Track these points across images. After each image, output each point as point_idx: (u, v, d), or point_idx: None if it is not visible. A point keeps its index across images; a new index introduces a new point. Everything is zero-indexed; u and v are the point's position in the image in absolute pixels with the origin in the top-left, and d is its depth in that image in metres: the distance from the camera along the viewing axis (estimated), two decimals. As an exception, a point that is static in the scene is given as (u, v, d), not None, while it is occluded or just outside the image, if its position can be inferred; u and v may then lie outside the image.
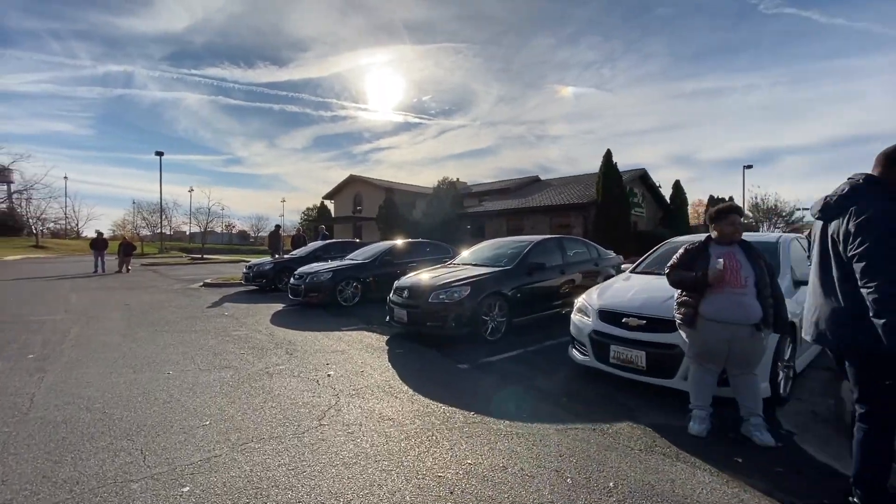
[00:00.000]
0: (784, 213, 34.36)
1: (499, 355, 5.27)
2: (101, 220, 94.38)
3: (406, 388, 4.14)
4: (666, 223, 29.29)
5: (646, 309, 3.90)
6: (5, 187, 49.88)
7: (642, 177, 27.90)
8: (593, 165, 33.49)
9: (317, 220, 32.57)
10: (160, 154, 41.89)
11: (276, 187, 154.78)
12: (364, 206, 33.53)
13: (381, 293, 9.70)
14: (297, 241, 15.56)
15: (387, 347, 5.73)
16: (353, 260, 10.12)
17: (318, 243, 13.88)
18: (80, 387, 4.14)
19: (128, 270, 20.07)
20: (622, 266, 5.76)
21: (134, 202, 60.85)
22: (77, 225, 68.18)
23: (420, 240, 11.89)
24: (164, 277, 17.09)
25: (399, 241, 10.70)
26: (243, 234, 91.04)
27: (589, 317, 4.32)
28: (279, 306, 9.34)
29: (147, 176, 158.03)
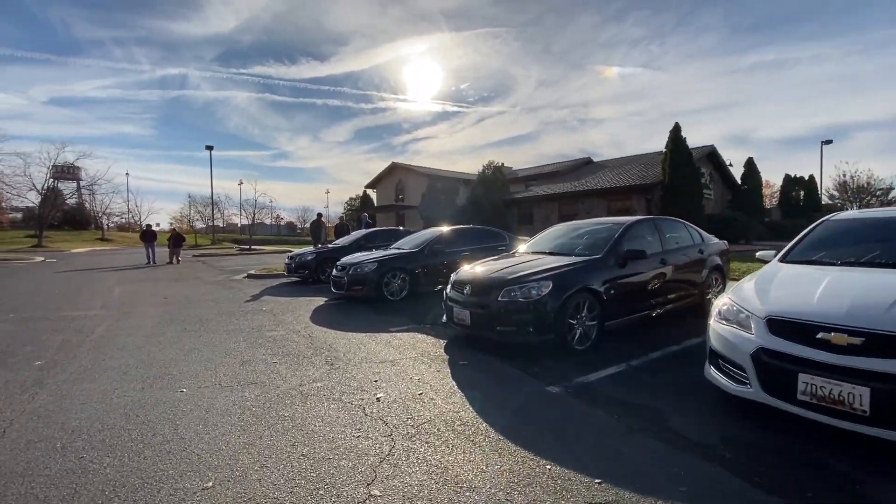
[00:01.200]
0: (878, 191, 30.17)
1: (596, 373, 4.01)
2: (160, 214, 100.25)
3: (484, 426, 2.98)
4: (736, 205, 26.49)
5: (863, 319, 2.51)
6: (74, 184, 53.17)
7: (710, 155, 25.21)
8: (641, 148, 30.72)
9: (359, 210, 32.11)
10: (210, 148, 43.08)
11: (320, 180, 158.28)
12: (406, 195, 32.71)
13: (431, 286, 8.66)
14: (340, 229, 14.83)
15: (446, 357, 4.60)
16: (399, 249, 9.08)
17: (362, 232, 13.02)
18: (71, 412, 3.29)
19: (178, 261, 20.25)
20: (759, 255, 4.37)
21: (189, 196, 63.47)
22: (139, 218, 72.24)
23: (473, 226, 10.69)
24: (210, 269, 16.93)
25: (450, 228, 9.55)
26: (291, 226, 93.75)
27: (747, 327, 2.96)
28: (321, 300, 8.47)
29: (202, 172, 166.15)
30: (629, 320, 5.09)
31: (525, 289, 4.45)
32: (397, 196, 33.56)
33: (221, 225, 77.61)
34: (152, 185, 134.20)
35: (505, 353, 4.59)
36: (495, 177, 25.81)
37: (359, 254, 9.41)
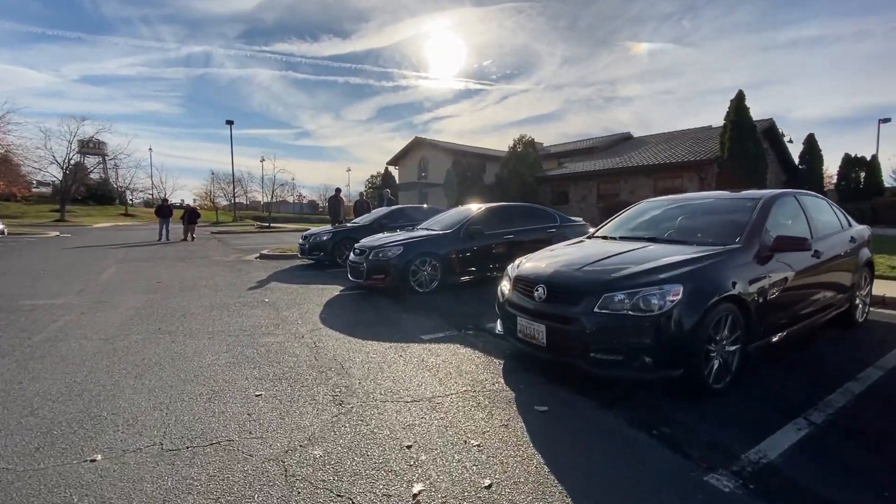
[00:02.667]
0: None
1: (768, 440, 2.43)
2: (183, 191, 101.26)
3: None
4: (793, 186, 23.86)
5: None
6: (98, 159, 53.22)
7: (768, 129, 22.56)
8: (670, 127, 28.07)
9: (381, 188, 30.64)
10: (230, 123, 42.02)
11: (342, 158, 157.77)
12: (430, 172, 31.01)
13: (467, 275, 7.14)
14: (360, 207, 13.39)
15: (511, 394, 3.08)
16: (429, 230, 7.54)
17: (384, 209, 11.52)
18: None
19: (192, 238, 19.27)
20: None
21: (212, 173, 63.08)
22: (165, 194, 72.75)
23: (517, 203, 9.04)
24: (224, 247, 15.82)
25: (488, 205, 7.92)
26: (313, 204, 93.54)
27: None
28: (335, 290, 7.05)
29: (226, 149, 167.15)
30: (771, 341, 3.45)
31: (640, 295, 2.86)
32: (420, 173, 31.89)
33: (245, 202, 77.79)
34: (178, 163, 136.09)
35: (603, 392, 3.04)
36: (527, 152, 23.82)
37: (381, 235, 7.91)
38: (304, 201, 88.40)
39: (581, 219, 8.95)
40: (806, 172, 24.40)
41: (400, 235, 7.24)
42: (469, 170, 26.34)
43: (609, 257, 3.41)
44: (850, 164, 28.74)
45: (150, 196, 68.99)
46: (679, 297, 2.80)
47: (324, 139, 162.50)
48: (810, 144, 24.81)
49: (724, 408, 2.82)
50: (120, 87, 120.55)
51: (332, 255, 9.92)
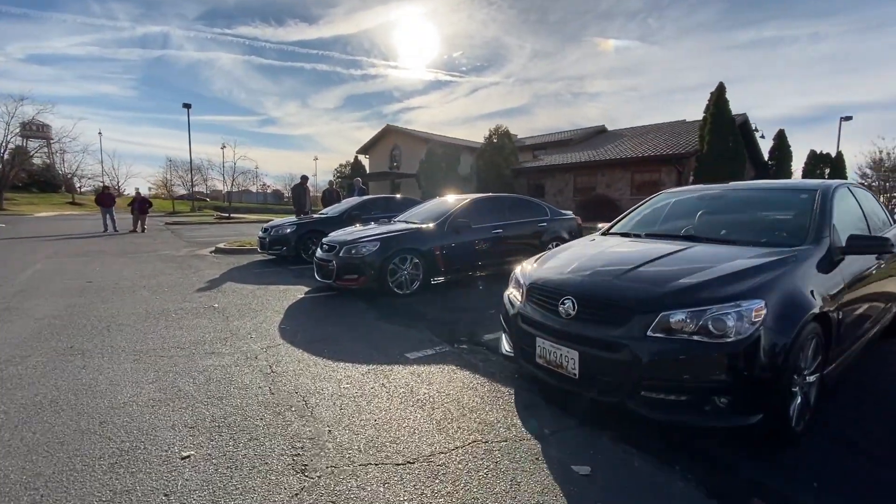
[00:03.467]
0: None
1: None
2: (138, 179, 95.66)
3: None
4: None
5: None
6: (41, 143, 49.00)
7: (741, 125, 22.75)
8: (635, 124, 28.28)
9: (350, 177, 29.32)
10: (188, 107, 39.38)
11: (309, 147, 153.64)
12: (402, 161, 29.91)
13: (452, 273, 6.35)
14: (329, 197, 12.33)
15: (536, 444, 2.32)
16: (408, 223, 6.68)
17: (354, 199, 10.54)
18: None
19: (143, 230, 17.61)
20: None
21: (169, 160, 59.31)
22: (117, 183, 68.22)
23: (508, 195, 8.30)
24: (176, 239, 14.39)
25: (476, 196, 7.13)
26: (277, 194, 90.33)
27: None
28: (299, 292, 6.11)
29: (184, 136, 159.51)
30: (842, 365, 2.83)
31: (710, 316, 2.14)
32: (392, 163, 30.73)
33: (205, 192, 74.00)
34: (133, 149, 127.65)
35: (655, 438, 2.32)
36: (503, 143, 23.17)
37: (353, 228, 6.99)
38: (267, 191, 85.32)
39: (570, 212, 8.30)
40: (776, 169, 24.88)
41: (375, 229, 6.35)
42: (443, 160, 25.45)
43: (651, 261, 2.68)
44: (816, 160, 29.59)
45: (101, 184, 64.54)
46: (763, 316, 2.10)
47: (290, 127, 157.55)
48: (780, 140, 25.30)
49: (812, 458, 2.16)
50: (69, 68, 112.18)
51: (296, 250, 8.91)
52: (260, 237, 9.37)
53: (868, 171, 29.18)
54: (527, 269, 3.19)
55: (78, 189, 54.69)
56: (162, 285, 6.53)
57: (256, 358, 3.54)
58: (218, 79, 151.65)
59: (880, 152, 28.53)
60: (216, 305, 5.29)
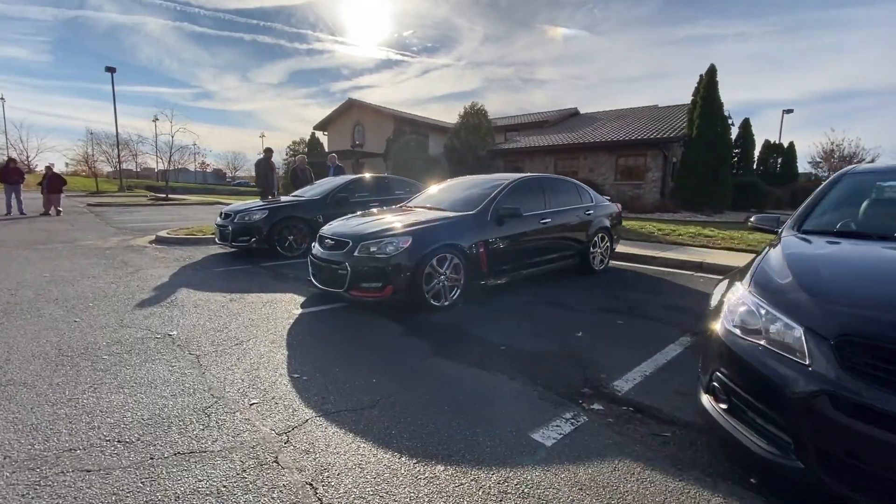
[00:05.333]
0: (861, 163, 29.68)
1: None
2: (54, 153, 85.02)
3: None
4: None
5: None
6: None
7: (713, 111, 22.67)
8: (585, 111, 28.09)
9: (309, 155, 26.63)
10: (112, 71, 34.57)
11: (251, 125, 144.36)
12: (366, 139, 27.61)
13: (500, 276, 4.87)
14: (301, 176, 10.32)
15: None
16: (435, 210, 5.09)
17: (337, 180, 8.69)
18: None
19: (57, 213, 14.60)
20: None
21: (91, 133, 52.23)
22: (27, 157, 59.81)
23: (549, 175, 6.86)
24: (103, 225, 11.79)
25: (518, 177, 5.60)
26: (218, 173, 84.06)
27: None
28: (292, 305, 4.41)
29: (107, 107, 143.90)
30: None
31: None
32: (354, 140, 28.31)
33: (134, 169, 66.82)
34: (47, 121, 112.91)
35: None
36: (479, 122, 21.66)
37: (356, 216, 5.28)
38: (207, 170, 79.00)
39: (608, 198, 7.05)
40: (740, 156, 25.24)
41: (394, 218, 4.70)
42: (413, 139, 23.58)
43: None
44: (769, 149, 30.55)
45: (6, 157, 56.36)
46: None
47: (229, 102, 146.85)
48: (745, 129, 25.70)
49: None
50: None
51: (268, 242, 7.05)
52: (219, 225, 7.36)
53: (819, 161, 30.64)
54: (757, 274, 1.84)
55: (-24, 163, 47.06)
56: (84, 296, 4.56)
57: (276, 462, 1.92)
58: (145, 46, 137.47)
59: (832, 144, 29.90)
60: (174, 333, 3.50)
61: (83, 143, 57.26)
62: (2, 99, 49.42)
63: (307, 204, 7.60)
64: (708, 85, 15.78)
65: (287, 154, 40.24)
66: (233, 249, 7.42)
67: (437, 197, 5.63)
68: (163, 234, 9.21)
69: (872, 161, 28.91)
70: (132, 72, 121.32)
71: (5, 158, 15.75)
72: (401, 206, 5.64)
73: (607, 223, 6.31)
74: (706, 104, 15.72)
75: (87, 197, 26.77)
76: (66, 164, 54.46)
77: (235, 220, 7.08)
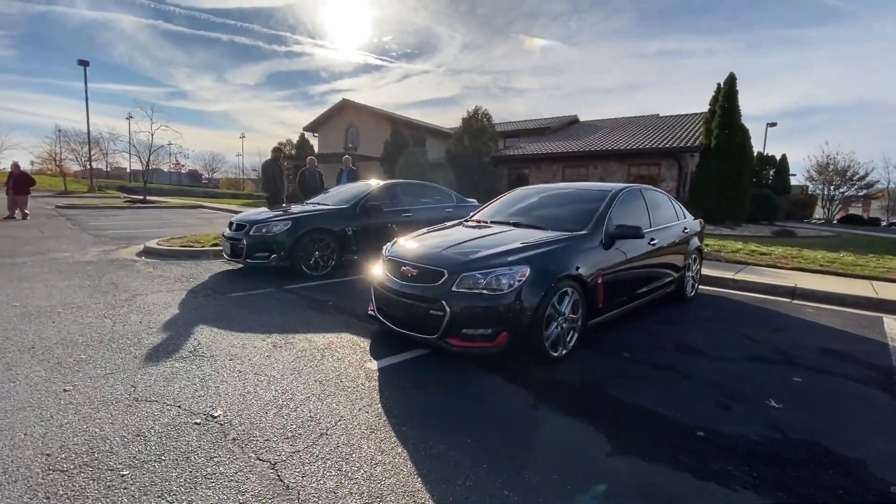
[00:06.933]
0: (854, 177, 29.92)
1: None
2: (18, 151, 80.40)
3: None
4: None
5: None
6: None
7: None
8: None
9: (298, 158, 25.23)
10: (85, 64, 32.45)
11: (227, 126, 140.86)
12: (360, 142, 26.37)
13: (616, 309, 3.81)
14: (310, 180, 9.14)
15: None
16: (545, 232, 4.07)
17: (365, 186, 7.56)
18: None
19: (24, 216, 12.94)
20: None
21: (59, 129, 48.96)
22: (-14, 154, 55.93)
23: (647, 186, 5.91)
24: (78, 231, 10.30)
25: (621, 186, 4.62)
26: (194, 174, 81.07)
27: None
28: (361, 354, 3.32)
29: (78, 105, 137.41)
30: None
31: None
32: (347, 143, 27.01)
33: (105, 169, 63.54)
34: (12, 117, 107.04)
35: None
36: (483, 127, 20.76)
37: (430, 237, 4.22)
38: (182, 171, 76.03)
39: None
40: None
41: (492, 238, 3.65)
42: (411, 143, 22.53)
43: None
44: (762, 161, 30.73)
45: (-38, 154, 52.64)
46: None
47: (204, 103, 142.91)
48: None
49: None
50: None
51: (290, 259, 5.90)
52: (229, 238, 6.15)
53: (815, 175, 30.93)
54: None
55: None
56: (71, 341, 3.35)
57: None
58: (118, 43, 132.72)
59: (828, 157, 30.26)
60: (218, 415, 2.37)
61: (50, 140, 53.96)
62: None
63: (334, 214, 6.48)
64: (728, 94, 15.31)
65: (272, 156, 38.51)
66: (239, 264, 6.22)
67: (516, 209, 4.61)
68: (152, 244, 7.90)
69: (866, 175, 29.30)
70: (103, 69, 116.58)
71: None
72: (477, 222, 4.58)
73: (699, 242, 5.43)
74: (725, 113, 15.23)
75: (55, 197, 24.70)
76: (32, 163, 51.19)
77: (251, 233, 5.90)
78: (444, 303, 3.04)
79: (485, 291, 3.02)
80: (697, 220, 5.77)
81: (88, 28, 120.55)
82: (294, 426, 2.28)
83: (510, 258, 3.16)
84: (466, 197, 8.50)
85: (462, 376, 3.01)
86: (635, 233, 3.82)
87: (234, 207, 21.60)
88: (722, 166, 15.13)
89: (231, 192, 49.67)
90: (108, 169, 66.36)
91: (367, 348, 3.48)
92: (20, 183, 13.07)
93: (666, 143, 16.92)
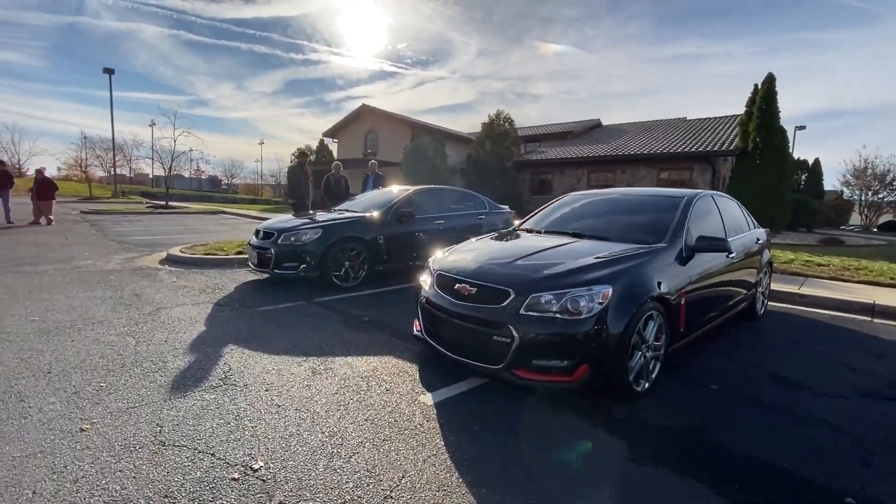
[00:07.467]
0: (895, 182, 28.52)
1: None
2: (45, 157, 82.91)
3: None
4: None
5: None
6: None
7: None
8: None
9: (317, 164, 25.17)
10: (110, 72, 33.16)
11: (246, 133, 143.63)
12: (379, 148, 26.19)
13: (686, 338, 3.29)
14: (336, 185, 8.84)
15: None
16: (616, 245, 3.63)
17: (395, 192, 7.20)
18: None
19: (48, 222, 12.94)
20: None
21: (85, 136, 50.15)
22: (19, 161, 57.68)
23: (718, 193, 5.45)
24: (101, 237, 10.18)
25: (693, 192, 4.15)
26: (214, 180, 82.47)
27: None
28: (411, 382, 2.91)
29: (102, 113, 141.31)
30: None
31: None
32: (366, 149, 26.88)
33: (128, 175, 64.94)
34: (40, 125, 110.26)
35: None
36: (506, 131, 20.34)
37: (485, 246, 3.81)
38: (202, 176, 77.37)
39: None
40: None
41: (559, 249, 3.22)
42: (432, 148, 22.23)
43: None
44: (794, 166, 29.63)
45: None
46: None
47: (224, 110, 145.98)
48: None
49: None
50: None
51: (320, 269, 5.55)
52: (256, 246, 5.83)
53: (851, 179, 29.68)
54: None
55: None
56: (91, 365, 3.02)
57: None
58: (141, 53, 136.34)
59: (865, 161, 28.95)
60: (258, 467, 1.98)
61: (76, 146, 55.27)
62: (-9, 99, 47.42)
63: (366, 221, 6.11)
64: (766, 95, 14.60)
65: (290, 161, 38.66)
66: (265, 274, 5.89)
67: (572, 218, 4.17)
68: (175, 251, 7.66)
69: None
70: (127, 78, 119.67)
71: (-8, 161, 14.09)
72: (528, 232, 4.15)
73: (769, 255, 4.91)
74: (764, 115, 14.53)
75: (80, 203, 25.06)
76: (58, 169, 52.61)
77: (280, 242, 5.57)
78: (511, 328, 2.61)
79: (559, 315, 2.58)
80: (764, 230, 5.24)
81: (113, 38, 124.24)
82: (351, 484, 1.88)
83: (587, 276, 2.72)
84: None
85: (532, 414, 2.58)
86: (721, 246, 3.35)
87: (254, 213, 21.56)
88: (760, 170, 14.41)
89: (249, 198, 50.21)
90: (132, 175, 67.77)
91: (416, 376, 3.07)
92: (43, 189, 13.09)
93: (699, 147, 16.26)
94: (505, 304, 2.70)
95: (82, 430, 2.21)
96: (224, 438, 2.18)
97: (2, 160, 14.41)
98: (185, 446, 2.10)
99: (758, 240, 4.59)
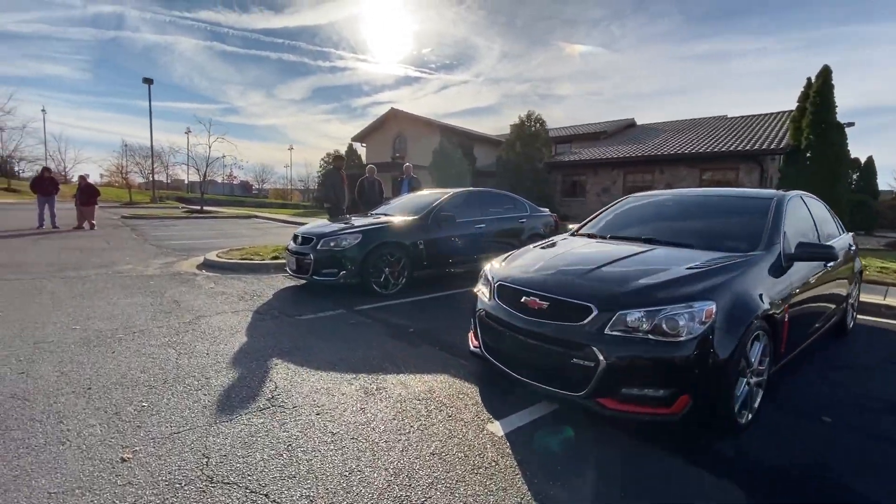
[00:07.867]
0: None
1: None
2: (88, 164, 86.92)
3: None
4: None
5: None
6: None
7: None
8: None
9: (346, 168, 25.34)
10: (149, 82, 34.52)
11: (275, 139, 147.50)
12: (408, 151, 26.13)
13: (784, 360, 2.85)
14: (370, 188, 8.66)
15: None
16: (704, 253, 3.24)
17: (435, 195, 6.93)
18: None
19: (91, 227, 13.31)
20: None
21: (125, 144, 52.31)
22: (63, 168, 60.69)
23: (807, 194, 4.96)
24: (141, 242, 10.32)
25: (782, 193, 3.71)
26: (245, 185, 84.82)
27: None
28: (473, 406, 2.60)
29: (141, 122, 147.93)
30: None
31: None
32: (395, 152, 26.87)
33: (165, 181, 67.31)
34: (84, 134, 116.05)
35: None
36: (536, 131, 19.88)
37: (550, 254, 3.47)
38: (234, 182, 79.65)
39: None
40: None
41: (637, 257, 2.86)
42: (461, 151, 21.97)
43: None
44: (848, 165, 27.84)
45: (41, 167, 57.07)
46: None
47: (254, 117, 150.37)
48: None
49: None
50: (14, 46, 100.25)
51: (360, 275, 5.32)
52: (294, 252, 5.66)
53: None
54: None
55: (17, 173, 47.63)
56: (132, 380, 2.83)
57: None
58: (177, 64, 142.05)
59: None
60: (321, 512, 1.71)
61: (117, 154, 57.63)
62: (43, 111, 50.14)
63: (405, 226, 5.86)
64: (820, 89, 13.67)
65: (320, 165, 39.17)
66: (302, 280, 5.70)
67: (642, 222, 3.78)
68: (212, 257, 7.61)
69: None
70: (164, 89, 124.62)
71: (41, 168, 14.61)
72: (590, 237, 3.78)
73: (861, 263, 4.38)
74: (818, 111, 13.59)
75: (121, 208, 25.96)
76: (101, 175, 54.92)
77: (319, 247, 5.37)
78: (595, 350, 2.27)
79: (652, 336, 2.22)
80: (851, 234, 4.70)
81: (151, 51, 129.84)
82: (429, 543, 1.57)
83: (683, 289, 2.35)
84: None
85: (618, 451, 2.23)
86: (826, 254, 2.91)
87: (285, 217, 21.79)
88: (816, 169, 13.47)
89: (279, 202, 51.24)
90: (168, 180, 70.30)
91: (478, 398, 2.76)
92: (86, 195, 13.47)
93: (745, 146, 15.40)
94: (586, 321, 2.35)
95: (123, 459, 2.00)
96: (277, 475, 1.92)
97: (48, 168, 14.93)
98: (236, 483, 1.85)
99: (850, 246, 4.08)
